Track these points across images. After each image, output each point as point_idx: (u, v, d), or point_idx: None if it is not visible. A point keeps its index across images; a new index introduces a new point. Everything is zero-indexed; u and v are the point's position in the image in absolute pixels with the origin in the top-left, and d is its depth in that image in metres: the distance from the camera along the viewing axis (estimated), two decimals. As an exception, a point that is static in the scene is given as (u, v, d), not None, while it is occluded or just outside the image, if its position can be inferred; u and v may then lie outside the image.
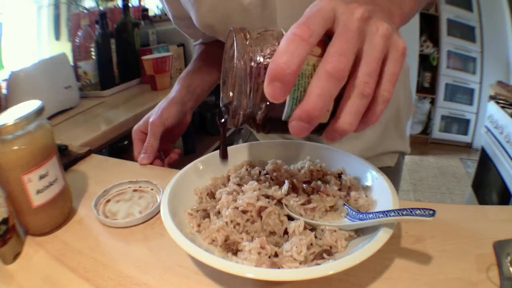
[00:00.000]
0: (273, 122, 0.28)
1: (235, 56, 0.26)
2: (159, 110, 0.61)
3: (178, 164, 0.55)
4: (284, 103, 0.25)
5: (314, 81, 0.23)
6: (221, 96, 0.34)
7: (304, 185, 0.40)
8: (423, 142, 2.91)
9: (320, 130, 0.28)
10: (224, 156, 0.46)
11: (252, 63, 0.26)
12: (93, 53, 1.26)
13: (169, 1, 0.61)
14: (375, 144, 0.64)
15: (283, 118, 0.26)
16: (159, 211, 0.39)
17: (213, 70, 0.72)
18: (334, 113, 0.26)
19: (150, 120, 0.60)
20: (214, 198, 0.41)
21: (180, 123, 0.65)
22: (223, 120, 0.33)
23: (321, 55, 0.24)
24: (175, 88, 0.66)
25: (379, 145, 0.64)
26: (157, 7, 1.73)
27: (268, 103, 0.26)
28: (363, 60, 0.24)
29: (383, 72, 0.25)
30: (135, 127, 0.62)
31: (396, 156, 0.67)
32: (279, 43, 0.24)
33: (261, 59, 0.26)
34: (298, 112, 0.24)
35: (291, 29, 0.23)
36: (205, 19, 0.55)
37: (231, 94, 0.31)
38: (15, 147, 0.38)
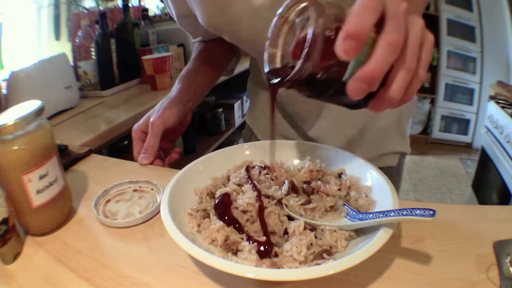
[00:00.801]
0: (330, 83, 0.30)
1: (312, 18, 0.28)
2: (160, 109, 0.61)
3: (178, 164, 0.55)
4: (346, 65, 0.28)
5: (377, 48, 0.27)
6: (267, 58, 0.35)
7: (304, 185, 0.40)
8: (423, 142, 2.91)
9: (367, 100, 0.31)
10: (272, 135, 0.44)
11: (326, 25, 0.28)
12: (93, 53, 1.26)
13: (174, 0, 0.61)
14: (377, 144, 0.64)
15: (343, 78, 0.28)
16: (159, 211, 0.39)
17: (213, 68, 0.71)
18: (382, 85, 0.29)
19: (151, 119, 0.59)
20: (214, 198, 0.41)
21: (180, 123, 0.65)
22: (276, 80, 0.33)
23: (375, 32, 0.28)
24: (176, 87, 0.66)
25: (381, 145, 0.64)
26: (157, 7, 1.73)
27: (332, 63, 0.28)
28: (409, 42, 0.28)
29: (421, 57, 0.29)
30: (135, 126, 0.62)
31: (398, 157, 0.67)
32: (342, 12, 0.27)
33: (332, 23, 0.28)
34: (360, 73, 0.27)
35: (361, 0, 0.27)
36: (212, 20, 0.55)
37: (279, 52, 0.34)
38: (15, 147, 0.38)
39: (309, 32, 0.27)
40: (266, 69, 0.35)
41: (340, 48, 0.26)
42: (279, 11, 0.34)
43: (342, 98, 0.30)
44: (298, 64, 0.28)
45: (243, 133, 0.82)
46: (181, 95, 0.64)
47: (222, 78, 1.50)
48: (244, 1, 0.50)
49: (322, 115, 0.62)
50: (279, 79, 0.33)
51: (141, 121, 0.62)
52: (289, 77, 0.30)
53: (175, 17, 0.65)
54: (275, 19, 0.34)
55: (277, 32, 0.35)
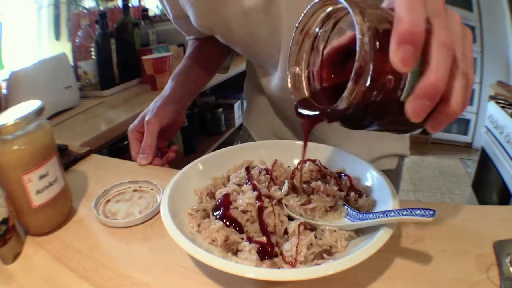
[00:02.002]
0: (385, 107, 0.23)
1: (356, 25, 0.21)
2: (155, 108, 0.61)
3: (178, 164, 0.55)
4: (402, 79, 0.22)
5: (433, 52, 0.21)
6: (291, 82, 0.29)
7: (304, 185, 0.40)
8: (423, 142, 2.91)
9: (424, 120, 0.24)
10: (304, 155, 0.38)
11: (373, 31, 0.22)
12: (93, 53, 1.26)
13: (169, 1, 0.61)
14: (375, 146, 0.64)
15: (402, 98, 0.22)
16: (159, 211, 0.39)
17: (207, 67, 0.71)
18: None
19: (146, 119, 0.59)
20: (214, 198, 0.41)
21: (175, 121, 0.64)
22: (311, 114, 0.27)
23: None
24: (169, 85, 0.66)
25: (379, 147, 0.64)
26: (157, 7, 1.73)
27: (386, 80, 0.22)
28: (455, 41, 0.23)
29: (467, 58, 0.24)
30: (131, 127, 0.62)
31: (396, 159, 0.67)
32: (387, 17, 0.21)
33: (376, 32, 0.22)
34: (421, 87, 0.21)
35: None
36: (204, 21, 0.55)
37: (303, 74, 0.28)
38: (15, 147, 0.38)
39: (357, 44, 0.21)
40: (294, 99, 0.29)
41: (396, 57, 0.20)
42: (297, 24, 0.28)
43: (396, 123, 0.24)
44: (344, 94, 0.22)
45: (240, 135, 0.82)
46: (174, 93, 0.64)
47: (222, 78, 1.51)
48: (234, 3, 0.49)
49: None
50: (316, 113, 0.27)
51: (136, 122, 0.62)
52: (331, 109, 0.24)
53: (171, 18, 0.65)
54: (293, 35, 0.29)
55: (297, 51, 0.29)
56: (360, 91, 0.22)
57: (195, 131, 1.67)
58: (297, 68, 0.30)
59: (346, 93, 0.22)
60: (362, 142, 0.62)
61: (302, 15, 0.28)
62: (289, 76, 0.30)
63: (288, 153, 0.49)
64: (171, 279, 0.34)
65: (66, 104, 1.10)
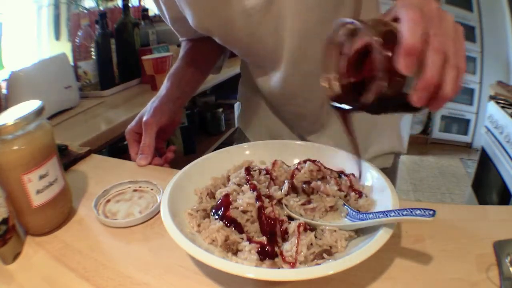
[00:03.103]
0: (394, 97, 0.33)
1: (371, 40, 0.31)
2: (152, 109, 0.61)
3: (178, 164, 0.55)
4: (404, 77, 0.30)
5: (428, 57, 0.29)
6: (325, 86, 0.38)
7: (304, 185, 0.40)
8: (423, 142, 2.91)
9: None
10: (357, 152, 0.43)
11: (383, 44, 0.30)
12: (93, 53, 1.26)
13: (166, 2, 0.61)
14: (371, 145, 0.64)
15: (404, 90, 0.31)
16: (159, 211, 0.39)
17: (201, 66, 0.71)
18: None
19: (144, 119, 0.59)
20: (214, 198, 0.41)
21: (172, 121, 0.65)
22: (347, 107, 0.36)
23: None
24: (165, 85, 0.66)
25: (375, 146, 0.64)
26: (157, 7, 1.73)
27: (396, 78, 0.31)
28: (448, 42, 0.31)
29: (458, 52, 0.31)
30: (128, 128, 0.62)
31: (392, 157, 0.67)
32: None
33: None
34: (421, 83, 0.30)
35: (408, 15, 0.30)
36: (203, 23, 0.54)
37: (334, 78, 0.37)
38: (15, 147, 0.38)
39: (373, 54, 0.30)
40: (329, 98, 0.38)
41: (402, 65, 0.29)
42: (326, 40, 0.36)
43: (404, 107, 0.33)
44: (371, 88, 0.31)
45: (235, 137, 0.82)
46: (171, 93, 0.64)
47: (222, 78, 1.51)
48: (236, 3, 0.49)
49: (314, 117, 0.62)
50: (350, 105, 0.36)
51: (133, 123, 0.62)
52: (361, 101, 0.33)
53: (167, 20, 0.65)
54: (324, 49, 0.37)
55: (328, 60, 0.37)
56: (380, 88, 0.31)
57: (195, 131, 1.67)
58: (330, 76, 0.38)
59: (371, 90, 0.31)
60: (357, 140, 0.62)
61: (328, 36, 0.36)
62: (323, 83, 0.38)
63: (288, 153, 0.49)
64: (171, 279, 0.34)
65: (66, 104, 1.10)
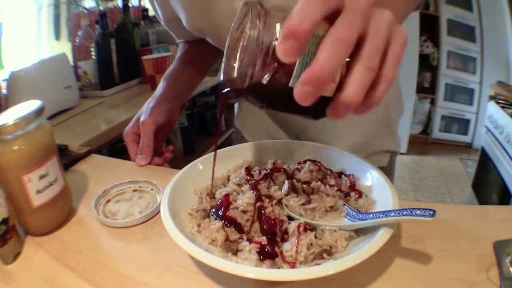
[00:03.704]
0: (277, 90, 0.28)
1: (248, 25, 0.27)
2: (149, 109, 0.61)
3: (178, 164, 0.55)
4: (291, 69, 0.25)
5: (322, 46, 0.24)
6: (223, 69, 0.34)
7: (304, 185, 0.40)
8: (423, 142, 2.91)
9: (323, 109, 0.28)
10: (220, 132, 0.43)
11: (264, 31, 0.26)
12: (93, 53, 1.26)
13: (160, 3, 0.61)
14: (366, 143, 0.64)
15: (290, 83, 0.26)
16: (159, 211, 0.39)
17: (198, 68, 0.72)
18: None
19: (141, 120, 0.60)
20: (214, 198, 0.41)
21: (169, 121, 0.65)
22: (225, 90, 0.32)
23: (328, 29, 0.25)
24: (161, 85, 0.66)
25: (370, 144, 0.64)
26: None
27: (276, 66, 0.26)
28: (369, 38, 0.25)
29: (387, 55, 0.26)
30: (126, 129, 0.62)
31: (388, 156, 0.67)
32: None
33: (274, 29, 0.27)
34: (306, 75, 0.24)
35: None
36: (196, 24, 0.55)
37: (236, 64, 0.32)
38: (15, 147, 0.38)
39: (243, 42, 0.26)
40: (222, 80, 0.34)
41: (279, 49, 0.23)
42: (233, 23, 0.33)
43: (296, 107, 0.27)
44: (235, 69, 0.27)
45: (233, 137, 0.82)
46: (167, 92, 0.65)
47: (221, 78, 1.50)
48: (225, 5, 0.49)
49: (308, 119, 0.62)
50: (228, 89, 0.33)
51: (130, 124, 0.62)
52: (236, 86, 0.29)
53: (162, 20, 0.65)
54: (230, 32, 0.33)
55: (234, 45, 0.33)
56: (249, 70, 0.27)
57: (195, 131, 1.67)
58: (232, 62, 0.33)
59: (236, 71, 0.27)
60: (352, 139, 0.62)
61: (235, 18, 0.33)
62: (222, 67, 0.33)
63: (288, 153, 0.49)
64: (171, 279, 0.34)
65: (66, 104, 1.10)
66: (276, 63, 0.26)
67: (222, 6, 0.50)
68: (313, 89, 0.24)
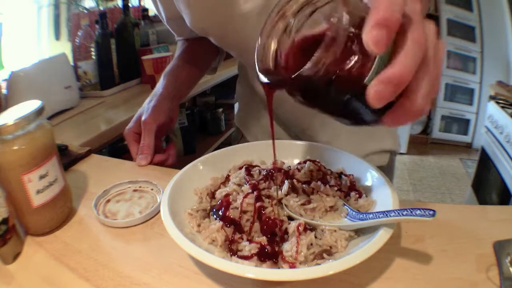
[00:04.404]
0: (347, 86, 0.25)
1: (338, 5, 0.24)
2: (149, 108, 0.61)
3: (178, 164, 0.55)
4: (369, 63, 0.23)
5: (406, 45, 0.22)
6: (257, 56, 0.31)
7: (304, 185, 0.40)
8: (423, 142, 2.91)
9: (383, 112, 0.26)
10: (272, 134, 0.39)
11: (351, 15, 0.23)
12: (93, 53, 1.26)
13: (163, 2, 0.61)
14: (364, 143, 0.64)
15: (365, 80, 0.23)
16: (159, 211, 0.39)
17: (196, 67, 0.72)
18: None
19: (143, 119, 0.60)
20: (214, 198, 0.41)
21: (169, 119, 0.65)
22: (275, 80, 0.29)
23: None
24: (161, 83, 0.66)
25: (369, 144, 0.64)
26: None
27: (353, 60, 0.23)
28: (429, 46, 0.24)
29: (437, 65, 0.25)
30: (127, 129, 0.62)
31: (388, 155, 0.67)
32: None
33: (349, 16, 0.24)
34: (387, 73, 0.22)
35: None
36: (200, 23, 0.55)
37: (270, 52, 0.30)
38: (15, 147, 0.38)
39: (332, 20, 0.23)
40: (258, 69, 0.31)
41: (369, 37, 0.21)
42: (275, 6, 0.30)
43: (353, 109, 0.25)
44: (313, 58, 0.23)
45: (233, 136, 0.82)
46: (167, 91, 0.65)
47: (222, 78, 1.51)
48: (232, 5, 0.49)
49: (308, 119, 0.62)
50: (279, 79, 0.29)
51: (131, 123, 0.62)
52: (296, 74, 0.24)
53: (163, 19, 0.65)
54: (270, 14, 0.30)
55: (271, 28, 0.30)
56: (328, 60, 0.23)
57: (195, 131, 1.67)
58: (266, 48, 0.31)
59: (314, 58, 0.23)
60: (351, 139, 0.62)
61: (279, 1, 0.29)
62: (256, 52, 0.31)
63: (288, 153, 0.49)
64: (171, 279, 0.34)
65: (66, 104, 1.10)
66: (350, 55, 0.23)
67: (228, 8, 0.50)
68: (392, 90, 0.22)
